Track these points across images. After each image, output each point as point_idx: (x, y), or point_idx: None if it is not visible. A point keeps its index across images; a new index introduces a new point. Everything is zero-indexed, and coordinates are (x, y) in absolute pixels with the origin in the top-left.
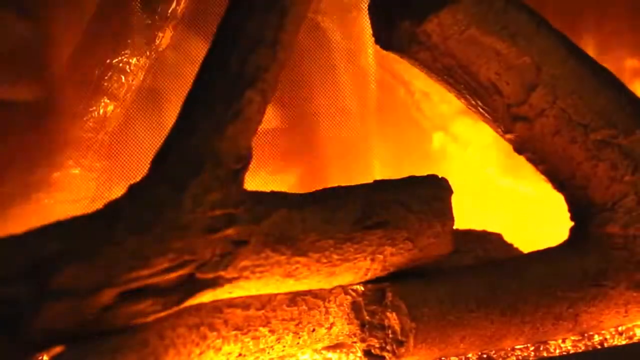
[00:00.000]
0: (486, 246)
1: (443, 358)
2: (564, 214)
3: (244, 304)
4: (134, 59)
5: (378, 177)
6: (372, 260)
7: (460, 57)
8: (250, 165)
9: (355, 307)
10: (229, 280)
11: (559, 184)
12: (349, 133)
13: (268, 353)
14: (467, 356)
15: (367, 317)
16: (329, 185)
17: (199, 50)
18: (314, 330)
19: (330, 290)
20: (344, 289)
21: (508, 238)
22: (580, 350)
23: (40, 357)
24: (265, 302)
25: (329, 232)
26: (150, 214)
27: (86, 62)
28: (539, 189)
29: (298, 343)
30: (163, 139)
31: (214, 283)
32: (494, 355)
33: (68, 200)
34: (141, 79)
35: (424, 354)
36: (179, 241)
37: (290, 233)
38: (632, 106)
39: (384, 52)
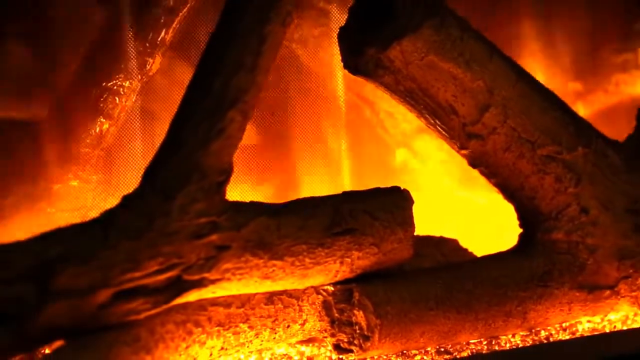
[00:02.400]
0: (444, 251)
1: (405, 351)
2: (514, 221)
3: (226, 302)
4: (127, 83)
5: (347, 189)
6: (341, 263)
7: (421, 81)
8: (232, 178)
9: (326, 306)
10: (213, 282)
11: (509, 195)
12: (320, 149)
13: (247, 347)
14: (427, 350)
15: (336, 315)
16: (302, 196)
17: (185, 74)
18: (288, 326)
19: (304, 290)
20: (316, 289)
21: (463, 243)
22: (528, 345)
23: (42, 351)
24: (245, 301)
25: (302, 238)
26: (141, 221)
27: (84, 85)
28: (491, 200)
29: (274, 338)
30: (153, 154)
31: (199, 284)
32: (451, 349)
33: (68, 209)
34: (133, 100)
35: (388, 347)
36: (168, 246)
37: (267, 239)
38: (575, 125)
39: (352, 76)
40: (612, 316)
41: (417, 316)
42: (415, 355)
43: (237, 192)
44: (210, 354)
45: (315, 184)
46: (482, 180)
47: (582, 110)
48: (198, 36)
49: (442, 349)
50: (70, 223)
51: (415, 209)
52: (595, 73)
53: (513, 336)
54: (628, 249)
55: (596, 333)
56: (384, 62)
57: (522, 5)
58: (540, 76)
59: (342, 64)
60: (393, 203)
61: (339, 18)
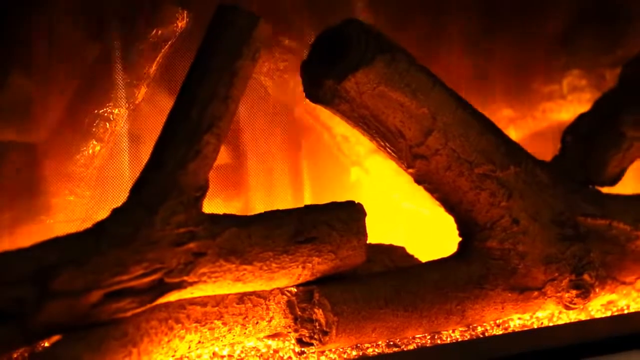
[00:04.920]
0: (392, 257)
1: (359, 345)
2: (454, 231)
3: (203, 302)
4: (116, 110)
5: (308, 203)
6: (303, 268)
7: (373, 108)
8: (208, 193)
9: (290, 305)
10: (191, 284)
11: (450, 208)
12: (285, 168)
13: (221, 341)
14: (378, 343)
15: (299, 313)
16: (269, 209)
17: (167, 103)
18: (257, 323)
19: (271, 292)
20: (281, 290)
21: (410, 250)
22: (466, 339)
23: (42, 344)
24: (219, 300)
25: (270, 245)
26: (129, 231)
27: (78, 112)
28: (434, 212)
29: (245, 333)
30: (139, 173)
31: (179, 286)
32: (399, 343)
33: (64, 220)
34: (122, 125)
35: (344, 341)
36: (152, 253)
37: (239, 246)
38: (507, 147)
39: (312, 104)
40: (540, 314)
41: (369, 314)
42: (367, 348)
43: (212, 205)
44: (189, 347)
45: (281, 198)
46: (426, 195)
47: (513, 134)
48: (178, 69)
49: (392, 343)
50: (67, 233)
51: (368, 220)
52: (525, 101)
53: (453, 331)
54: (553, 255)
55: (526, 329)
56: (340, 92)
57: (461, 44)
58: (477, 104)
59: (304, 93)
60: (348, 215)
61: (301, 53)
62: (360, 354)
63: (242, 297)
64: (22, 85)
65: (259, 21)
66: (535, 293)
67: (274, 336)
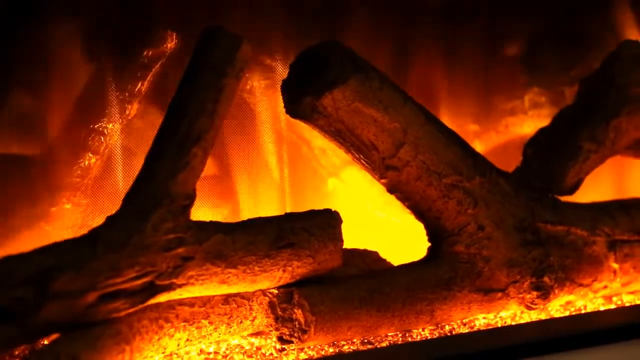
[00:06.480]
0: (366, 261)
1: (335, 342)
2: (423, 237)
3: (190, 302)
4: (110, 125)
5: (288, 211)
6: (284, 271)
7: (348, 123)
8: (195, 202)
9: (271, 305)
10: (180, 286)
11: (420, 215)
12: (267, 179)
13: (208, 339)
14: (353, 341)
15: (280, 312)
16: (252, 217)
17: (157, 118)
18: (241, 322)
19: (253, 293)
20: (263, 291)
21: (383, 255)
22: (435, 337)
23: (42, 342)
24: (206, 301)
25: (252, 250)
26: (122, 237)
27: (75, 126)
28: (405, 219)
29: (230, 331)
30: (131, 183)
31: (169, 288)
32: (373, 340)
33: (62, 227)
34: (115, 139)
35: (322, 339)
36: (143, 257)
37: (224, 251)
38: (473, 159)
39: (292, 119)
40: (503, 314)
41: (345, 314)
42: (343, 345)
43: (199, 213)
44: (178, 345)
45: (263, 206)
46: (398, 203)
47: (479, 147)
48: (168, 87)
49: (366, 341)
50: (65, 239)
51: (344, 227)
52: (489, 117)
53: (423, 330)
54: (516, 259)
55: (490, 327)
56: (318, 108)
57: (433, 64)
58: (445, 119)
59: (284, 109)
60: (326, 222)
61: (282, 72)
62: (337, 351)
63: (227, 298)
64: (23, 101)
65: (242, 42)
66: (499, 294)
67: (256, 334)
